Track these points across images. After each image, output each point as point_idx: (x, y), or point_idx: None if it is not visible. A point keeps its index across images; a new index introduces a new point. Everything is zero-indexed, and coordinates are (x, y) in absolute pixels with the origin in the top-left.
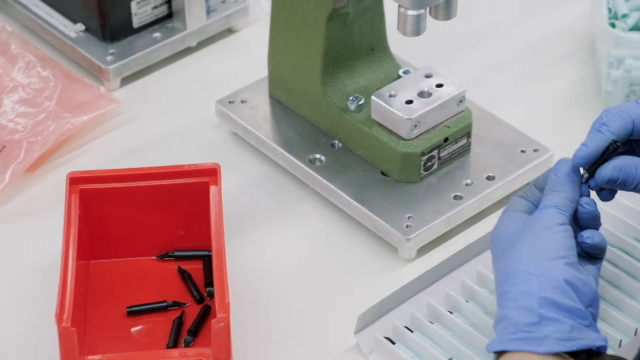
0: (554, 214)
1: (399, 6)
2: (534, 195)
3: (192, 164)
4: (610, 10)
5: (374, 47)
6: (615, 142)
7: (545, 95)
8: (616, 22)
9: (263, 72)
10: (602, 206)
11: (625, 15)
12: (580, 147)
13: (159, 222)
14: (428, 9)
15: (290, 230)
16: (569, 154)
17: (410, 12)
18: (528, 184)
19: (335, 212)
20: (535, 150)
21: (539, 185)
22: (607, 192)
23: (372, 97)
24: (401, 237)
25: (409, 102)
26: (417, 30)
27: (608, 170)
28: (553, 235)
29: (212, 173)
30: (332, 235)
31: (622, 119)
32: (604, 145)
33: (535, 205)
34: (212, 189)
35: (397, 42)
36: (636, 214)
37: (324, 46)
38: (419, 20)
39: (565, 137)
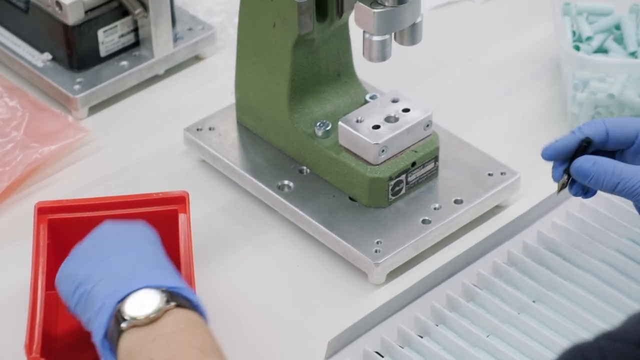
0: None
1: (364, 32)
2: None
3: (161, 192)
4: (574, 33)
5: (340, 72)
6: (586, 138)
7: (512, 118)
8: (580, 45)
9: (231, 99)
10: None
11: (589, 38)
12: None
13: None
14: (393, 34)
15: (259, 257)
16: (536, 177)
17: (376, 38)
18: (497, 206)
19: (305, 238)
20: (502, 174)
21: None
22: (580, 187)
23: (339, 122)
24: (370, 262)
25: (376, 127)
26: (383, 56)
27: (581, 161)
28: None
29: (180, 201)
30: (302, 261)
31: (596, 126)
32: (574, 142)
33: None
34: (181, 217)
35: (363, 66)
36: (629, 214)
37: (290, 73)
38: (384, 45)
39: (532, 160)
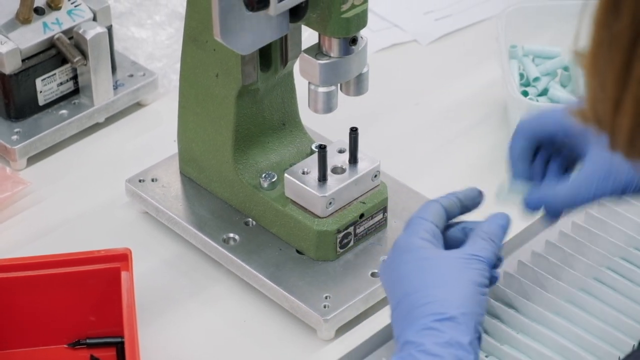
0: (484, 270)
1: (310, 83)
2: (454, 209)
3: (103, 250)
4: (522, 75)
5: (285, 122)
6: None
7: (461, 163)
8: (528, 90)
9: (174, 147)
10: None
11: (536, 79)
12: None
13: (69, 309)
14: (339, 85)
15: (206, 312)
16: None
17: (321, 89)
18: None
19: (252, 292)
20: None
21: (463, 203)
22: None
23: (285, 174)
24: (319, 318)
25: (323, 179)
26: (329, 107)
27: (561, 202)
28: (481, 297)
29: (123, 258)
30: (249, 317)
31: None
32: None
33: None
34: (124, 275)
35: (309, 114)
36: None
37: (234, 123)
38: (330, 97)
39: (483, 207)
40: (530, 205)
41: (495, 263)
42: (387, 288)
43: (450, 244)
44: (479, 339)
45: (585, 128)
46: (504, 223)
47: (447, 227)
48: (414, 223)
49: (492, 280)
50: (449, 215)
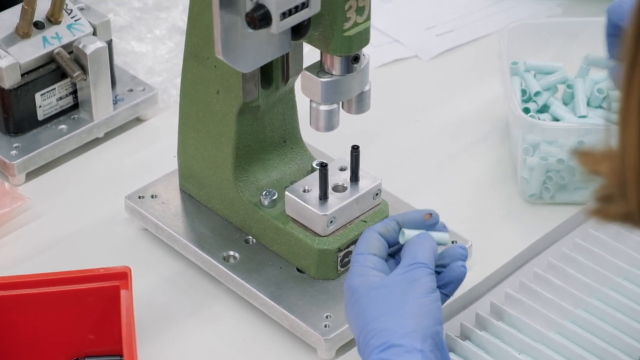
0: (427, 275)
1: (311, 101)
2: (393, 235)
3: (102, 268)
4: (524, 92)
5: (286, 139)
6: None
7: (463, 180)
8: (529, 105)
9: (174, 162)
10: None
11: (537, 93)
12: None
13: (68, 327)
14: (341, 102)
15: (205, 331)
16: (487, 244)
17: (323, 107)
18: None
19: (252, 311)
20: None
21: (401, 225)
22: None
23: (286, 192)
24: (319, 338)
25: (324, 197)
26: (331, 126)
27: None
28: (433, 304)
29: (122, 277)
30: (249, 335)
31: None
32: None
33: (390, 243)
34: (123, 293)
35: (310, 130)
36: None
37: (235, 140)
38: (331, 115)
39: (483, 226)
40: None
41: (462, 253)
42: (350, 323)
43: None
44: (439, 348)
45: None
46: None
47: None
48: (355, 261)
49: (460, 275)
50: (389, 241)
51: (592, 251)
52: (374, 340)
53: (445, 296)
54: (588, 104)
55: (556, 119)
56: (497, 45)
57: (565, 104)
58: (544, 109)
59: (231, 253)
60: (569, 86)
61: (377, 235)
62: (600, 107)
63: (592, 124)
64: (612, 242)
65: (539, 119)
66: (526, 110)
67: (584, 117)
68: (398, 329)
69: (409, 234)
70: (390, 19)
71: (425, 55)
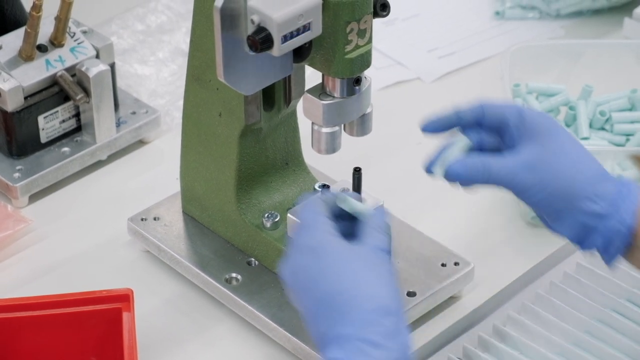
0: (390, 262)
1: (313, 123)
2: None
3: (104, 290)
4: None
5: (288, 161)
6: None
7: (464, 203)
8: None
9: (176, 185)
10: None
11: None
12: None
13: (70, 349)
14: (342, 125)
15: (207, 353)
16: (489, 266)
17: (325, 130)
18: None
19: (254, 333)
20: (456, 264)
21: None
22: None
23: (288, 214)
24: None
25: None
26: (333, 148)
27: (454, 165)
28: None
29: (124, 299)
30: (251, 358)
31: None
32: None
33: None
34: (125, 316)
35: (312, 152)
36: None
37: (237, 162)
38: (333, 137)
39: (485, 248)
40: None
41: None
42: (299, 289)
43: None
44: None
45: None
46: (384, 216)
47: None
48: (313, 220)
49: None
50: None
51: (595, 273)
52: (363, 301)
53: None
54: (590, 126)
55: None
56: (499, 67)
57: (568, 125)
58: None
59: (233, 275)
60: (571, 108)
61: (320, 200)
62: (602, 129)
63: (594, 146)
64: (616, 263)
65: None
66: None
67: (586, 138)
68: (391, 297)
69: (352, 203)
70: (393, 41)
71: (428, 77)
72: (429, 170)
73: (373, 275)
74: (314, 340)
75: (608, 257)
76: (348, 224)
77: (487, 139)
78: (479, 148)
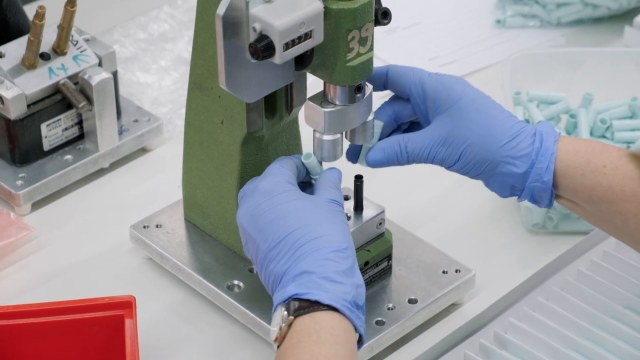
0: (344, 214)
1: (315, 131)
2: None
3: (107, 297)
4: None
5: None
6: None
7: (465, 211)
8: None
9: (178, 192)
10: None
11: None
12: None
13: (73, 356)
14: (344, 132)
15: None
16: (491, 273)
17: (327, 137)
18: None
19: (256, 339)
20: (457, 271)
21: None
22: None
23: None
24: None
25: None
26: (334, 155)
27: (372, 154)
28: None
29: (127, 306)
30: None
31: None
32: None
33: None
34: (127, 322)
35: None
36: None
37: (239, 170)
38: (335, 145)
39: (487, 255)
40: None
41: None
42: (256, 230)
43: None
44: None
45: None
46: (339, 174)
47: None
48: (275, 169)
49: None
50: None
51: (596, 280)
52: (320, 241)
53: None
54: (591, 134)
55: None
56: (500, 75)
57: (569, 133)
58: None
59: (235, 282)
60: (572, 116)
61: (293, 161)
62: (603, 136)
63: None
64: (617, 271)
65: None
66: None
67: None
68: (345, 240)
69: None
70: (395, 49)
71: None
72: (351, 160)
73: (329, 221)
74: (268, 280)
75: (544, 205)
76: (310, 190)
77: (403, 110)
78: (397, 121)
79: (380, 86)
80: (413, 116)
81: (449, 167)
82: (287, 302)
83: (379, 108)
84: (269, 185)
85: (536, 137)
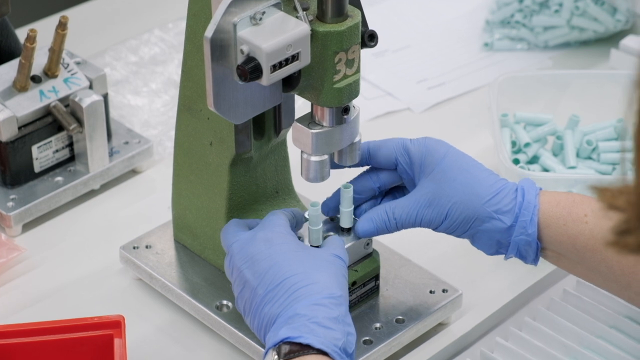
0: (345, 268)
1: (302, 152)
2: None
3: (96, 317)
4: (514, 143)
5: (278, 189)
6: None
7: None
8: (518, 156)
9: (168, 214)
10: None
11: (527, 145)
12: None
13: None
14: (332, 153)
15: None
16: (477, 292)
17: (314, 158)
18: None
19: (245, 359)
20: (444, 291)
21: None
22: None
23: None
24: None
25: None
26: (322, 176)
27: (361, 224)
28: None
29: (116, 325)
30: None
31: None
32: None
33: None
34: (117, 342)
35: (302, 181)
36: (573, 333)
37: (228, 191)
38: (322, 166)
39: (473, 274)
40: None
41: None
42: (255, 275)
43: None
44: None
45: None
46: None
47: None
48: (274, 219)
49: None
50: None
51: (582, 300)
52: (315, 287)
53: None
54: (577, 155)
55: (546, 170)
56: (487, 97)
57: (555, 155)
58: (533, 159)
59: (224, 302)
60: (558, 137)
61: (284, 215)
62: (589, 158)
63: (581, 175)
64: (602, 291)
65: (528, 169)
66: (516, 161)
67: (573, 167)
68: (340, 288)
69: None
70: (383, 72)
71: (417, 107)
72: (326, 214)
73: (327, 271)
74: (261, 323)
75: (530, 261)
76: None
77: (388, 178)
78: (382, 190)
79: (362, 163)
80: (397, 183)
81: (436, 229)
82: (277, 346)
83: (360, 178)
84: (264, 234)
85: (518, 192)
